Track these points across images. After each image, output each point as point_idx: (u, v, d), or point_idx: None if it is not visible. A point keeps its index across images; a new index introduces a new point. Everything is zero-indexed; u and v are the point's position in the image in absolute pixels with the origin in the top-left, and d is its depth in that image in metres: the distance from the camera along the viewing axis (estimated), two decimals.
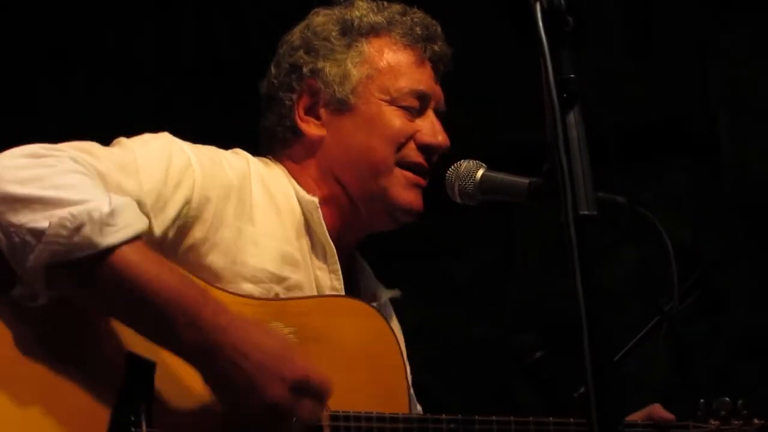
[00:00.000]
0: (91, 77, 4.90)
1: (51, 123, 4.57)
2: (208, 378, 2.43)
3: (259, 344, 2.44)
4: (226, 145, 2.80)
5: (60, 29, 4.92)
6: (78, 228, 2.30)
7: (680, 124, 5.23)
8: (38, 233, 2.30)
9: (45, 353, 2.40)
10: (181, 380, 2.47)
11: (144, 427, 2.41)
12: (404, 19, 2.93)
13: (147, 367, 2.44)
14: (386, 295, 2.98)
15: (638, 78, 5.17)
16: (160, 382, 2.45)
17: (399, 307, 3.04)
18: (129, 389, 2.42)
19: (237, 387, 2.42)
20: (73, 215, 2.30)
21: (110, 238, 2.33)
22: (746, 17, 5.12)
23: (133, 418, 2.41)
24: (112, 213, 2.33)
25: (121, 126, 2.65)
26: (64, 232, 2.30)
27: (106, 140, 2.62)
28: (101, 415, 2.40)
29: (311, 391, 2.47)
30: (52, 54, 4.94)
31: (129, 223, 2.37)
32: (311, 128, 2.88)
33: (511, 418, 2.72)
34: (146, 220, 2.43)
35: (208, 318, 2.40)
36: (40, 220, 2.30)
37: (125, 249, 2.35)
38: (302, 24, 2.96)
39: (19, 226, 2.31)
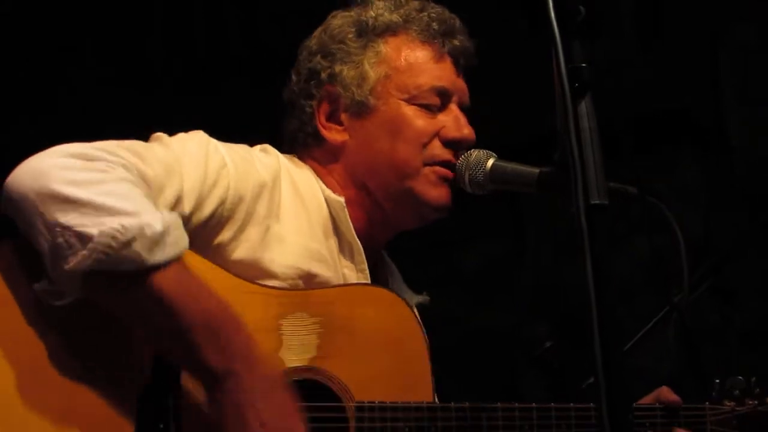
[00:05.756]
0: (102, 73, 4.91)
1: (64, 119, 4.59)
2: (214, 401, 2.38)
3: (270, 390, 2.39)
4: (239, 140, 2.81)
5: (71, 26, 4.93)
6: (128, 242, 2.27)
7: (691, 115, 5.22)
8: (85, 238, 2.27)
9: (68, 352, 2.39)
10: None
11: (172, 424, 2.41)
12: (421, 15, 2.90)
13: (174, 368, 2.44)
14: (414, 300, 2.98)
15: (649, 68, 5.16)
16: (188, 383, 2.46)
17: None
18: (155, 389, 2.42)
19: (231, 421, 2.36)
20: (125, 227, 2.27)
21: (158, 256, 2.31)
22: (759, 8, 5.11)
23: (159, 417, 2.41)
24: (163, 232, 2.31)
25: (132, 123, 2.65)
26: (114, 243, 2.27)
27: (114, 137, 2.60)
28: (126, 415, 2.40)
29: None
30: (63, 50, 4.95)
31: (175, 242, 2.35)
32: (333, 134, 2.87)
33: (534, 405, 2.74)
34: (187, 238, 2.40)
35: (236, 347, 2.37)
36: (89, 225, 2.27)
37: (169, 268, 2.34)
38: (320, 28, 2.95)
39: (67, 227, 2.27)
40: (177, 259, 2.35)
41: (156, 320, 2.35)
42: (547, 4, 2.05)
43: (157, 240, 2.30)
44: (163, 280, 2.33)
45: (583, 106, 2.04)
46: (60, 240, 2.28)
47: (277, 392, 2.40)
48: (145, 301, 2.33)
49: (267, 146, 2.85)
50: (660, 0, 5.28)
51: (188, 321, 2.34)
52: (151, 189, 2.44)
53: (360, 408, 2.57)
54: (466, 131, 2.87)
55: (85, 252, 2.27)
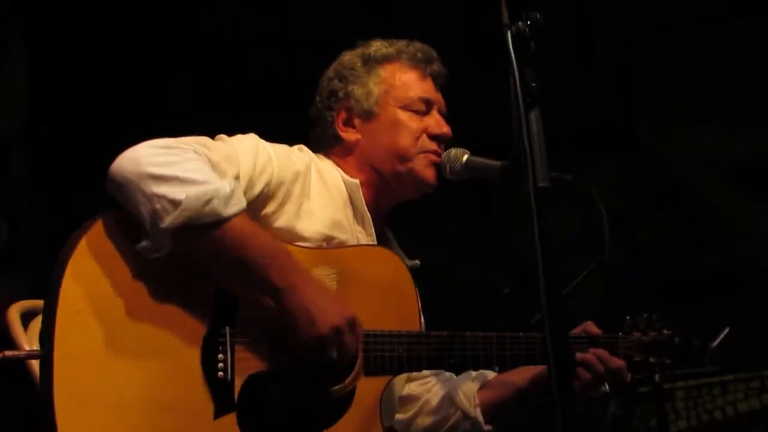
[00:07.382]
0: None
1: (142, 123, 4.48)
2: (282, 310, 2.49)
3: (321, 292, 2.51)
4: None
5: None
6: (208, 201, 2.38)
7: (613, 126, 5.23)
8: (176, 203, 2.37)
9: (160, 288, 2.47)
10: (264, 313, 2.55)
11: (228, 338, 2.50)
12: (408, 48, 3.03)
13: (233, 299, 2.52)
14: (408, 264, 3.01)
15: (583, 89, 5.16)
16: (246, 312, 2.53)
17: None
18: (218, 313, 2.51)
19: (302, 320, 2.48)
20: (205, 191, 2.39)
21: (231, 209, 2.42)
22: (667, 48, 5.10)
23: (221, 333, 2.50)
24: (232, 191, 2.42)
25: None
26: (198, 204, 2.37)
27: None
28: (200, 328, 2.49)
29: (353, 329, 2.54)
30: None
31: (240, 200, 2.46)
32: (349, 134, 2.98)
33: (493, 334, 2.77)
34: (245, 199, 2.51)
35: (291, 268, 2.49)
36: (178, 193, 2.37)
37: (238, 218, 2.44)
38: (335, 62, 3.08)
39: (161, 196, 2.37)
40: (242, 212, 2.45)
41: (231, 256, 2.45)
42: (506, 39, 2.08)
43: (229, 197, 2.41)
44: (234, 227, 2.43)
45: (533, 115, 2.07)
46: (158, 206, 2.37)
47: (324, 291, 2.53)
48: (222, 243, 2.43)
49: (302, 146, 2.96)
50: (592, 39, 5.26)
51: (254, 253, 2.45)
52: (215, 169, 2.53)
53: (367, 335, 2.62)
54: (445, 129, 2.99)
55: (176, 212, 2.36)
